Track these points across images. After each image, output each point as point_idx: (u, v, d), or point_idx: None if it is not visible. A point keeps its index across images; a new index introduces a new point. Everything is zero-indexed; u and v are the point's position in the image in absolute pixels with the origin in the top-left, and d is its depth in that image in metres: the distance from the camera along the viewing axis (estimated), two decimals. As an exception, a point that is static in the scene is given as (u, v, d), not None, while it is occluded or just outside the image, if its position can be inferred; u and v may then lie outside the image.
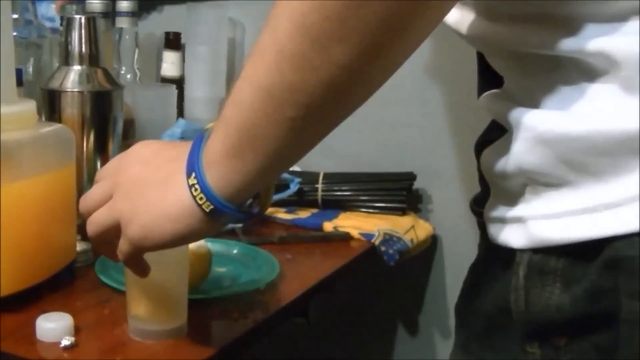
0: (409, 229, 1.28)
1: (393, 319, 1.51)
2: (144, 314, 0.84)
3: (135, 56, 1.40)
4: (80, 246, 1.01)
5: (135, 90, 1.32)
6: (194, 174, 0.66)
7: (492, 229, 0.75)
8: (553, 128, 0.66)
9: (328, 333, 1.52)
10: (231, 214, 0.67)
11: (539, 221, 0.69)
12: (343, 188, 1.34)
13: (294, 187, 1.28)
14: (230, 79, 1.52)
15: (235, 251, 1.09)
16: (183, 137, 1.18)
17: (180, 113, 1.43)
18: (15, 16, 1.26)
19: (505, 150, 0.71)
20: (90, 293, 0.96)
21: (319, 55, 0.58)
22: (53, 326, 0.83)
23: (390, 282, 1.47)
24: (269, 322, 0.92)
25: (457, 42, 0.79)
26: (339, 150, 1.42)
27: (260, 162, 0.64)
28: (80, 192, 1.06)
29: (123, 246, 0.72)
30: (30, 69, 1.31)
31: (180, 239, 0.70)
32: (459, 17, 0.74)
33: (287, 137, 0.63)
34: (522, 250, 0.70)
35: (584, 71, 0.65)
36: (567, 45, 0.65)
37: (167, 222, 0.68)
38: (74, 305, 0.91)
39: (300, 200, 1.32)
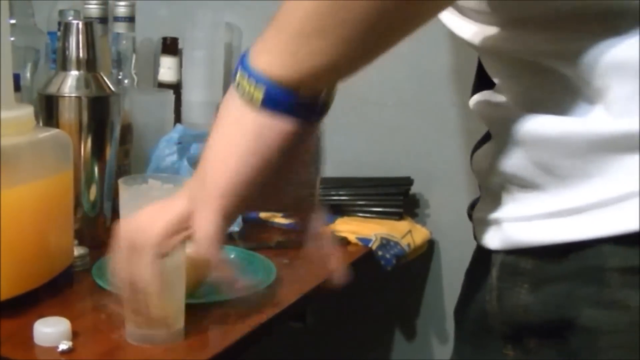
0: (405, 233, 1.29)
1: (390, 322, 1.51)
2: (141, 319, 0.84)
3: (133, 61, 1.40)
4: (77, 251, 1.02)
5: (133, 95, 1.32)
6: (239, 71, 0.61)
7: (477, 231, 0.77)
8: (528, 131, 0.67)
9: (325, 337, 1.52)
10: (288, 100, 0.60)
11: (511, 223, 0.70)
12: (340, 193, 1.35)
13: None
14: (227, 83, 1.52)
15: (232, 256, 1.09)
16: (180, 142, 1.18)
17: (178, 118, 1.44)
18: (12, 21, 1.27)
19: (490, 152, 0.72)
20: (88, 297, 0.97)
21: None
22: (51, 330, 0.83)
23: (387, 286, 1.48)
24: (265, 327, 0.92)
25: (456, 45, 0.79)
26: (336, 155, 1.42)
27: (329, 49, 0.59)
28: (78, 196, 1.06)
29: (206, 227, 0.66)
30: (28, 74, 1.31)
31: (258, 162, 0.63)
32: (456, 19, 0.75)
33: (368, 18, 0.58)
34: (497, 252, 0.71)
35: (557, 77, 0.66)
36: (543, 51, 0.66)
37: (230, 159, 0.63)
38: (71, 309, 0.91)
39: None
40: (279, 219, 1.28)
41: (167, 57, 1.46)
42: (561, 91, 0.66)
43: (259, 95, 0.60)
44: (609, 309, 0.64)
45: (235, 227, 1.18)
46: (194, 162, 1.19)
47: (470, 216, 0.81)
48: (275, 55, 0.60)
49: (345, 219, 1.31)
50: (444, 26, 0.76)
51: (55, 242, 0.96)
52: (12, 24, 1.25)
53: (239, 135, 0.62)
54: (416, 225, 1.36)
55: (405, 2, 0.57)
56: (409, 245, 1.26)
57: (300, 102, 0.61)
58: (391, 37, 0.60)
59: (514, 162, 0.69)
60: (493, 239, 0.72)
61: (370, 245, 1.21)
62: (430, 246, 1.41)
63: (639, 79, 0.62)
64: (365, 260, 1.20)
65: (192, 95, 1.46)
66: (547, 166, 0.67)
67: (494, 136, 0.73)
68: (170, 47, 1.47)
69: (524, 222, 0.69)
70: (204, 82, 1.46)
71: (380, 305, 1.51)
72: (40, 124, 1.07)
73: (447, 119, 1.38)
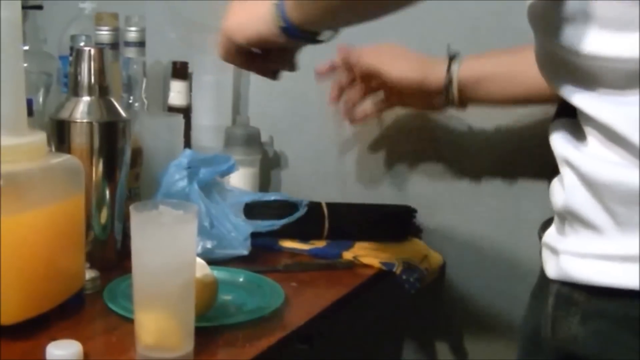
0: (422, 258, 1.29)
1: (398, 346, 1.52)
2: (151, 341, 0.85)
3: (143, 85, 1.42)
4: (88, 274, 1.03)
5: (143, 120, 1.34)
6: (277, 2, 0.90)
7: (542, 254, 0.80)
8: (594, 172, 0.71)
9: (331, 359, 1.52)
10: (294, 34, 0.91)
11: (568, 257, 0.74)
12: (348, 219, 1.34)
13: (302, 210, 1.27)
14: (236, 107, 1.53)
15: (241, 279, 1.10)
16: (190, 167, 1.19)
17: (188, 142, 1.45)
18: (26, 47, 1.28)
19: (561, 182, 0.76)
20: (99, 321, 0.98)
21: None
22: (62, 353, 0.84)
23: (395, 308, 1.48)
24: (273, 350, 0.93)
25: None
26: (342, 180, 1.43)
27: (318, 10, 0.88)
28: (89, 219, 1.08)
29: (220, 39, 0.97)
30: (40, 99, 1.33)
31: (262, 39, 0.94)
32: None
33: None
34: (554, 281, 0.76)
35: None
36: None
37: (254, 22, 0.93)
38: (82, 332, 0.92)
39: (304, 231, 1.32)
40: (298, 245, 1.29)
41: (176, 81, 1.48)
42: (620, 137, 0.69)
43: (280, 22, 0.90)
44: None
45: (244, 251, 1.19)
46: (203, 185, 1.20)
47: (540, 237, 0.84)
48: (293, 7, 0.89)
49: (364, 244, 1.31)
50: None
51: (67, 265, 0.97)
52: (25, 50, 1.27)
53: (260, 22, 0.93)
54: (430, 250, 1.36)
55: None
56: (426, 269, 1.27)
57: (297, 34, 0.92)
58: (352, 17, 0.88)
59: (579, 199, 0.73)
60: (552, 268, 0.76)
61: (394, 269, 1.21)
62: (441, 269, 1.41)
63: None
64: (373, 283, 1.21)
65: (202, 119, 1.48)
66: (606, 210, 0.70)
67: (562, 167, 0.76)
68: (180, 71, 1.48)
69: (579, 258, 0.73)
70: (213, 106, 1.48)
71: (388, 328, 1.52)
72: (52, 147, 1.08)
73: (450, 141, 1.39)
